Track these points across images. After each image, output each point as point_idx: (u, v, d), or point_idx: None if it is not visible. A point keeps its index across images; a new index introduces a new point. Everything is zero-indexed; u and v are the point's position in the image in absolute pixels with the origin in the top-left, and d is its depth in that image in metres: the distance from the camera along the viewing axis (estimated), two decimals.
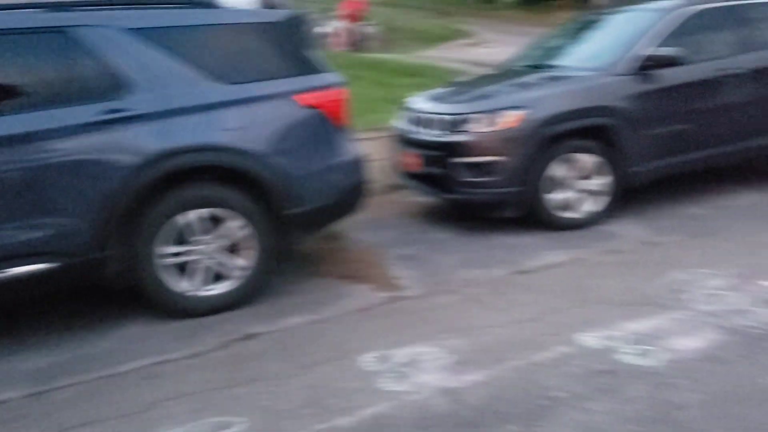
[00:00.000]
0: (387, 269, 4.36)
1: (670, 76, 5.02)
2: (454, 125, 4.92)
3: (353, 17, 13.40)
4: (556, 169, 4.86)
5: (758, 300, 3.49)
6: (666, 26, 5.13)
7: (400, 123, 5.61)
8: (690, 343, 3.08)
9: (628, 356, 3.00)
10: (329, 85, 4.05)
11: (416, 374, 2.96)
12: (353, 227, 4.95)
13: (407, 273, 4.27)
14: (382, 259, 4.54)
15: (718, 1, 5.44)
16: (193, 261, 3.73)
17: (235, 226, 3.77)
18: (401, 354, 3.15)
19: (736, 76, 5.25)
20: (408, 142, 5.33)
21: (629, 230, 4.88)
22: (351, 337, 3.41)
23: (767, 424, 2.46)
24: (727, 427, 2.46)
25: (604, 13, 6.19)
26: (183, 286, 3.72)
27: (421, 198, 5.67)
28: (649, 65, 4.96)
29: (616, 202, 5.08)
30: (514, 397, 2.73)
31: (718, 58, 5.26)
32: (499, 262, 4.38)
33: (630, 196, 5.24)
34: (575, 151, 4.90)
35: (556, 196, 4.89)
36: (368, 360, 3.12)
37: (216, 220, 3.74)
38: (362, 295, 3.98)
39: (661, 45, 5.02)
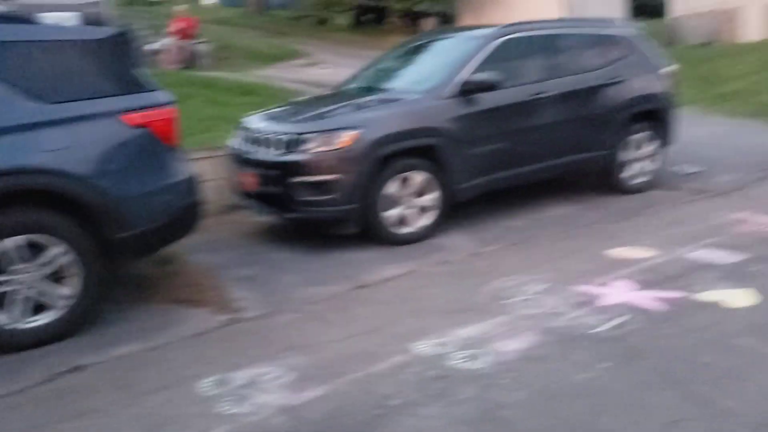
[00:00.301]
0: (225, 291, 4.30)
1: (489, 99, 5.41)
2: (291, 145, 4.97)
3: (184, 34, 13.04)
4: (390, 187, 5.05)
5: (570, 302, 3.85)
6: (484, 53, 5.53)
7: (235, 142, 5.57)
8: (512, 345, 3.34)
9: (458, 361, 3.20)
10: (159, 104, 3.94)
11: (256, 395, 2.96)
12: (188, 249, 4.82)
13: (246, 294, 4.23)
14: (220, 282, 4.47)
15: (529, 31, 5.97)
16: (12, 291, 3.46)
17: (57, 253, 3.54)
18: (240, 376, 3.13)
19: (546, 99, 5.76)
20: (244, 162, 5.30)
21: (457, 242, 5.19)
22: (188, 363, 3.33)
23: (581, 416, 2.71)
24: (546, 421, 2.69)
25: (430, 39, 6.56)
26: (1, 318, 3.44)
27: (259, 218, 5.65)
28: (469, 89, 5.32)
29: (445, 217, 5.37)
30: (353, 409, 2.81)
31: (530, 83, 5.76)
32: (339, 278, 4.48)
33: (457, 210, 5.56)
34: (407, 170, 5.12)
35: (391, 213, 5.08)
36: (206, 385, 3.07)
37: (36, 247, 3.49)
38: (199, 318, 3.89)
39: (480, 70, 5.40)
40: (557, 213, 5.94)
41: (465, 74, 5.36)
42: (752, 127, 11.65)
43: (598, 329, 3.47)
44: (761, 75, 16.74)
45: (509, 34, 5.77)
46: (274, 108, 6.15)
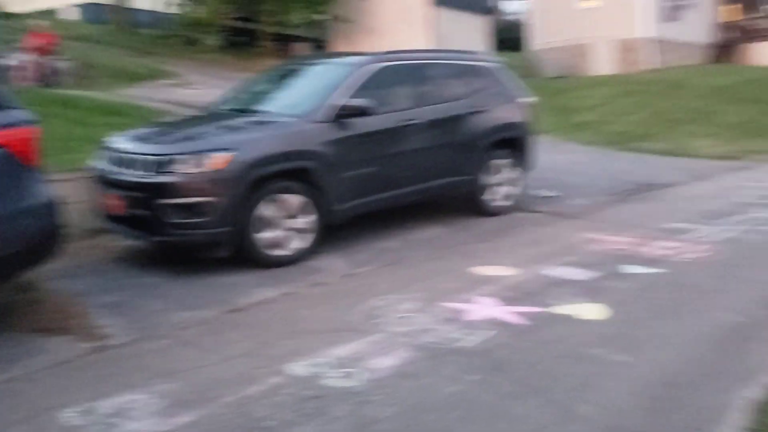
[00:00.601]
0: (89, 319, 4.10)
1: (362, 124, 5.56)
2: (160, 166, 4.84)
3: (42, 50, 12.33)
4: (265, 209, 5.03)
5: (440, 319, 4.01)
6: (357, 79, 5.69)
7: (99, 163, 5.34)
8: (385, 362, 3.42)
9: (333, 380, 3.23)
10: (18, 123, 3.73)
11: (125, 424, 2.84)
12: (50, 275, 4.56)
13: (112, 321, 4.06)
14: (84, 309, 4.25)
15: (401, 60, 6.20)
16: None
17: None
18: (108, 405, 3.00)
19: (416, 126, 6.00)
20: (109, 184, 5.10)
21: (332, 264, 5.26)
22: (49, 393, 3.14)
23: (451, 428, 2.82)
24: None
25: (303, 64, 6.65)
26: None
27: (126, 241, 5.44)
28: (343, 114, 5.44)
29: (320, 239, 5.42)
30: None
31: (401, 110, 5.97)
32: (211, 302, 4.39)
33: (332, 232, 5.63)
34: (282, 192, 5.13)
35: (265, 235, 5.06)
36: (70, 415, 2.91)
37: None
38: (61, 347, 3.68)
39: (353, 96, 5.54)
40: (428, 234, 6.17)
41: (339, 99, 5.47)
42: (604, 154, 12.67)
43: (466, 344, 3.63)
44: (611, 106, 18.27)
45: (382, 62, 5.97)
46: (142, 128, 5.97)
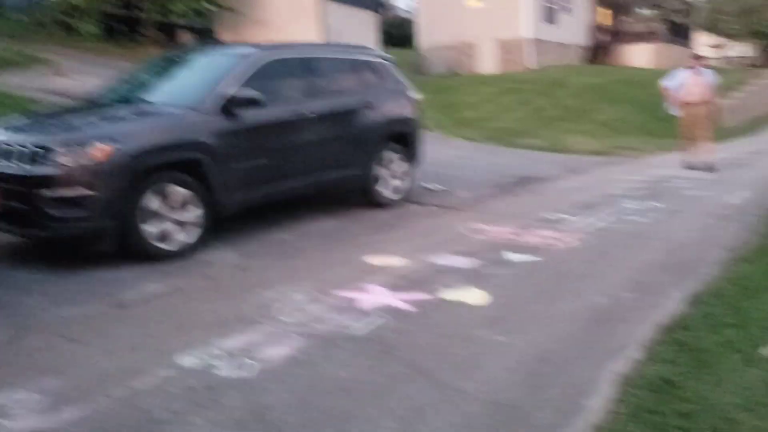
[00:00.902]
0: None
1: (252, 116, 5.53)
2: (38, 157, 4.61)
3: None
4: (151, 202, 4.91)
5: (333, 308, 4.09)
6: (245, 70, 5.64)
7: None
8: (278, 351, 3.46)
9: (225, 370, 3.23)
10: None
11: (8, 423, 2.73)
12: None
13: None
14: None
15: (292, 52, 6.21)
16: None
17: None
18: None
19: (307, 118, 6.03)
20: None
21: (223, 257, 5.21)
22: None
23: (343, 408, 2.91)
24: (311, 416, 2.85)
25: (191, 53, 6.51)
26: None
27: (4, 236, 5.14)
28: (232, 105, 5.38)
29: (210, 232, 5.36)
30: (118, 426, 2.72)
31: (291, 102, 5.99)
32: (96, 297, 4.25)
33: (223, 225, 5.58)
34: (169, 184, 5.02)
35: (152, 228, 4.93)
36: None
37: None
38: None
39: (243, 87, 5.49)
40: (320, 226, 6.23)
41: (227, 90, 5.41)
42: (487, 150, 13.20)
43: (357, 331, 3.73)
44: (495, 104, 19.01)
45: (273, 53, 5.96)
46: (17, 118, 5.65)
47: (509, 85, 21.77)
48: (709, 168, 10.03)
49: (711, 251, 5.40)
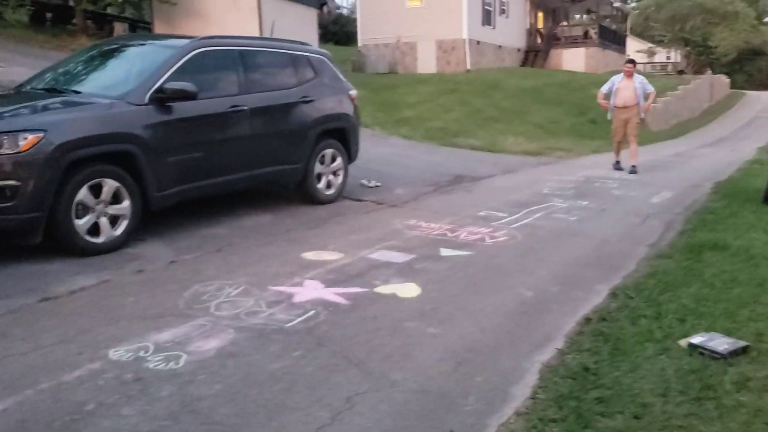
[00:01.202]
0: None
1: (185, 108, 5.46)
2: None
3: None
4: (81, 194, 4.80)
5: (266, 302, 4.10)
6: (180, 62, 5.57)
7: None
8: (210, 344, 3.46)
9: (155, 363, 3.22)
10: None
11: None
12: None
13: None
14: None
15: (227, 45, 6.15)
16: None
17: None
18: None
19: (242, 112, 5.99)
20: None
21: (155, 251, 5.15)
22: None
23: (274, 398, 2.94)
24: (242, 406, 2.87)
25: (123, 44, 6.37)
26: None
27: None
28: (165, 97, 5.31)
29: (143, 226, 5.28)
30: (47, 418, 2.67)
31: (227, 96, 5.94)
32: (24, 291, 4.16)
33: (157, 219, 5.50)
34: (99, 176, 4.92)
35: (81, 221, 4.83)
36: None
37: None
38: None
39: (176, 79, 5.41)
40: (256, 221, 6.22)
41: (159, 81, 5.33)
42: (424, 148, 13.36)
43: (291, 323, 3.76)
44: (433, 104, 19.22)
45: (207, 46, 5.89)
46: None
47: (448, 85, 22.07)
48: (634, 170, 10.42)
49: (634, 248, 5.65)
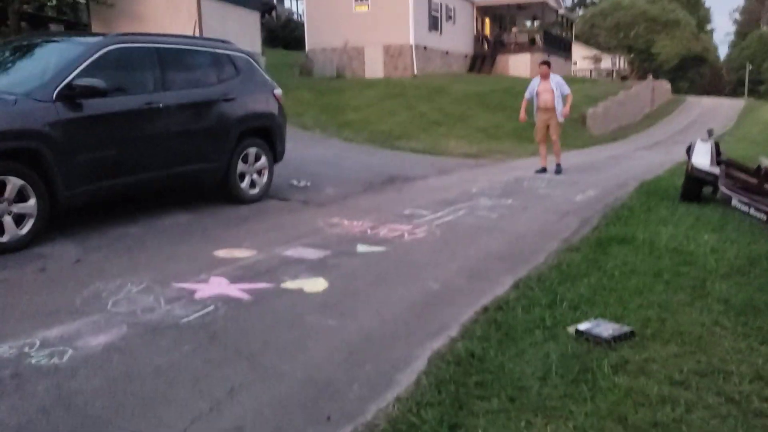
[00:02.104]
0: None
1: (96, 105, 5.37)
2: None
3: None
4: None
5: (166, 299, 4.04)
6: (86, 58, 5.45)
7: None
8: (98, 340, 3.40)
9: (38, 359, 3.15)
10: None
11: None
12: None
13: None
14: None
15: (142, 42, 6.06)
16: None
17: None
18: None
19: (159, 110, 5.91)
20: None
21: (63, 250, 5.04)
22: None
23: (156, 391, 2.89)
24: (120, 400, 2.81)
25: (33, 41, 6.21)
26: None
27: None
28: (75, 94, 5.21)
29: (53, 224, 5.16)
30: None
31: (142, 93, 5.85)
32: None
33: (69, 217, 5.39)
34: (3, 174, 4.79)
35: None
36: None
37: None
38: None
39: (86, 76, 5.31)
40: (173, 221, 6.14)
41: (69, 78, 5.22)
42: (364, 150, 13.41)
43: (186, 319, 3.72)
44: (377, 107, 19.32)
45: (121, 43, 5.79)
46: None
47: (393, 89, 22.22)
48: (559, 169, 10.61)
49: (547, 242, 5.75)
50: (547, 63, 10.80)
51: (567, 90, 10.53)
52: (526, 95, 10.72)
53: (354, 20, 26.95)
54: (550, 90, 10.35)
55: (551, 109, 10.41)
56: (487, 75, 30.73)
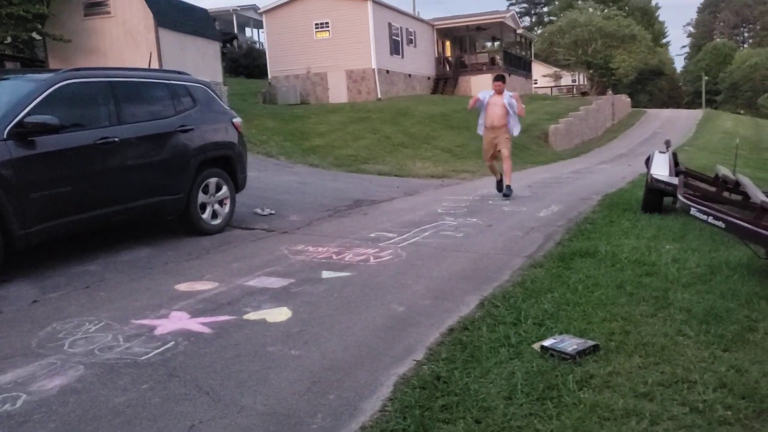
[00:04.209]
0: None
1: (49, 142, 5.27)
2: None
3: None
4: None
5: (125, 336, 3.95)
6: (37, 95, 5.36)
7: None
8: (53, 382, 3.29)
9: None
10: None
11: None
12: None
13: None
14: None
15: (96, 77, 5.98)
16: None
17: None
18: None
19: (114, 144, 5.82)
20: None
21: (19, 291, 4.91)
22: None
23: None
24: None
25: None
26: None
27: None
28: (25, 131, 5.11)
29: (8, 264, 5.03)
30: None
31: (96, 127, 5.76)
32: None
33: (25, 257, 5.25)
34: None
35: None
36: None
37: None
38: None
39: (38, 113, 5.22)
40: (133, 255, 6.02)
41: (20, 116, 5.13)
42: (329, 175, 13.39)
43: (146, 356, 3.63)
44: (342, 132, 19.35)
45: (73, 78, 5.71)
46: None
47: (358, 114, 22.31)
48: (509, 191, 9.85)
49: (511, 259, 5.77)
50: (501, 78, 10.22)
51: (518, 105, 9.78)
52: (480, 96, 10.00)
53: (316, 46, 27.11)
54: (501, 105, 9.73)
55: (498, 128, 9.78)
56: (450, 96, 31.04)
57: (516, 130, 9.97)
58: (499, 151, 9.89)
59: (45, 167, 5.27)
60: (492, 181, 11.76)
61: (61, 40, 15.47)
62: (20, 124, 5.10)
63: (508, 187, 9.89)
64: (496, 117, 9.81)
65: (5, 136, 5.03)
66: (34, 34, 16.10)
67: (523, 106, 10.03)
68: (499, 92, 9.90)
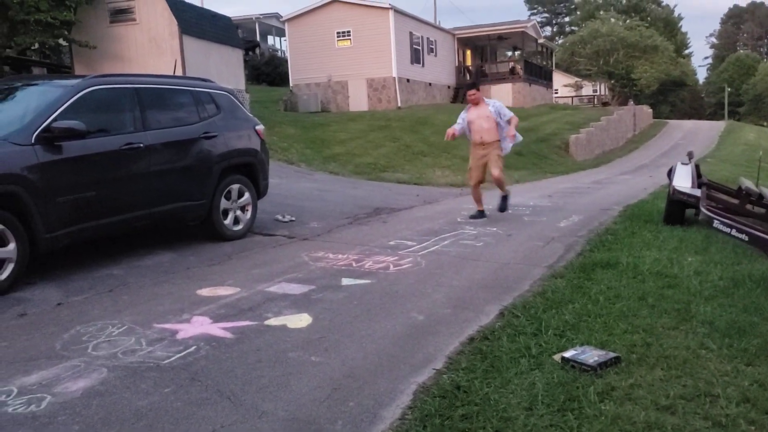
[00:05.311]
0: None
1: (76, 147, 5.35)
2: None
3: None
4: None
5: (148, 340, 3.99)
6: (68, 101, 5.45)
7: None
8: (77, 385, 3.33)
9: (15, 407, 3.08)
10: None
11: None
12: None
13: None
14: None
15: (122, 83, 6.08)
16: None
17: None
18: None
19: (140, 149, 5.90)
20: None
21: (44, 294, 4.98)
22: None
23: None
24: None
25: (12, 85, 6.21)
26: None
27: None
28: (52, 136, 5.19)
29: (34, 268, 5.11)
30: None
31: (122, 133, 5.85)
32: None
33: (50, 260, 5.33)
34: None
35: None
36: None
37: None
38: None
39: (65, 118, 5.31)
40: (156, 260, 6.09)
41: (48, 121, 5.22)
42: (350, 183, 13.43)
43: (168, 360, 3.66)
44: (362, 140, 19.41)
45: (99, 84, 5.80)
46: None
47: (378, 122, 22.37)
48: (504, 204, 8.69)
49: (531, 269, 5.75)
50: (473, 86, 8.78)
51: (509, 113, 8.39)
52: (456, 127, 8.48)
53: (337, 55, 27.26)
54: (486, 117, 8.24)
55: (489, 144, 8.31)
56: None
57: (508, 145, 8.47)
58: (490, 165, 8.40)
59: (71, 172, 5.35)
60: (513, 189, 11.72)
61: (87, 47, 15.72)
62: (48, 129, 5.18)
63: (504, 198, 8.65)
64: (484, 131, 8.31)
65: (33, 140, 5.12)
66: (61, 41, 16.37)
67: (516, 132, 8.40)
68: (475, 102, 8.39)
